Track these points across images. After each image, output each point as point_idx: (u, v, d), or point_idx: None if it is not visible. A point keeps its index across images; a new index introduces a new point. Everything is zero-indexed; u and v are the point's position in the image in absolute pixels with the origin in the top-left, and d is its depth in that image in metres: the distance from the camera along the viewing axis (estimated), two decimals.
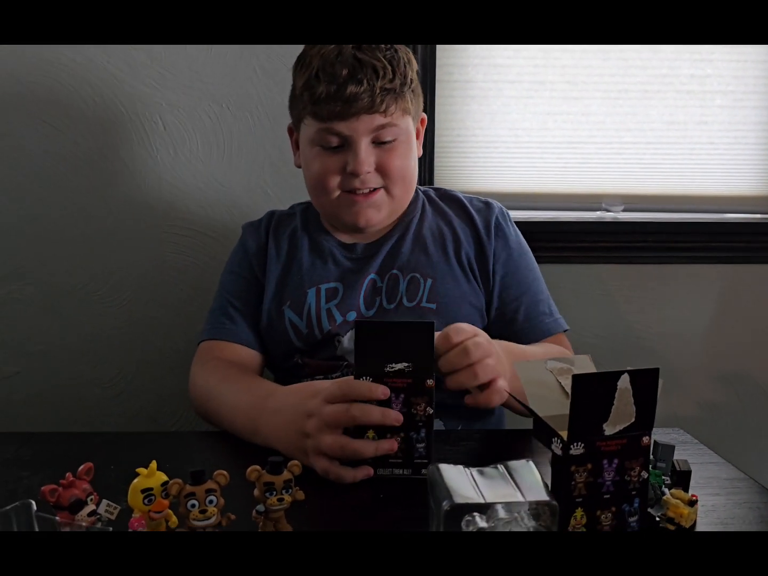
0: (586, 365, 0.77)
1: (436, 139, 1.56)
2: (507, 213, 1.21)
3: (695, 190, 1.66)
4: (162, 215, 1.51)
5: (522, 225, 1.23)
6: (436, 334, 0.81)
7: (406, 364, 0.79)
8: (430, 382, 0.79)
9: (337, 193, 1.09)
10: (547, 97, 1.60)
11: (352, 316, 1.10)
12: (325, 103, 1.03)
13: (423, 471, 0.78)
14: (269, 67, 1.47)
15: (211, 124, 1.49)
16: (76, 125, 1.47)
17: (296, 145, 1.17)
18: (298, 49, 1.12)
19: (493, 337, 0.91)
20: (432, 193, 1.23)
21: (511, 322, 1.15)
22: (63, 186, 1.48)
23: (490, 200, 1.22)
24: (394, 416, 0.80)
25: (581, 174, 1.63)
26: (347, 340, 1.09)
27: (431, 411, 0.79)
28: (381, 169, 1.08)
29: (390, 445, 0.80)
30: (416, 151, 1.15)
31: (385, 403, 0.80)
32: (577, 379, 0.62)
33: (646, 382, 0.65)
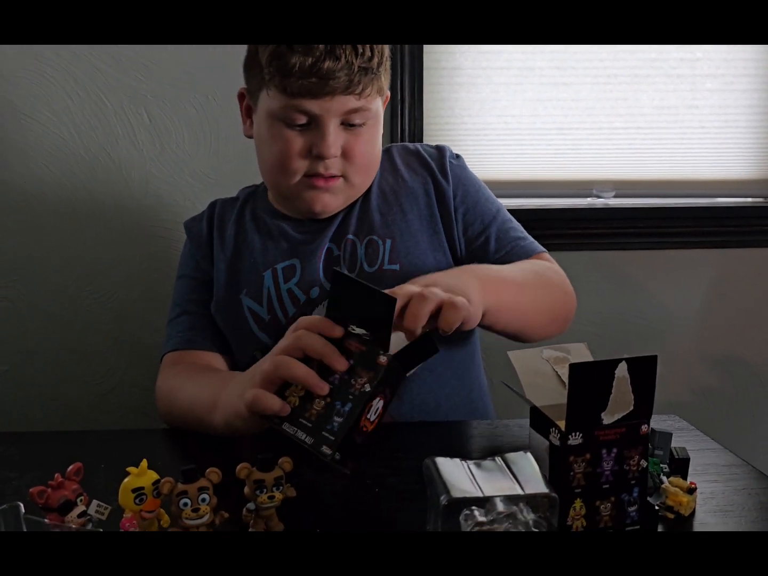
0: (582, 354, 0.76)
1: (425, 127, 1.55)
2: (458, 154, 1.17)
3: (686, 174, 1.66)
4: (150, 209, 1.49)
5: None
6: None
7: (366, 332, 0.72)
8: (382, 359, 0.70)
9: (299, 177, 1.01)
10: (537, 84, 1.59)
11: (316, 292, 1.03)
12: (297, 77, 0.94)
13: (324, 448, 0.67)
14: None
15: (198, 115, 1.47)
16: (60, 120, 1.45)
17: (247, 113, 1.08)
18: None
19: None
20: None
21: (483, 258, 1.07)
22: (48, 182, 1.47)
23: (440, 144, 1.16)
24: (339, 360, 0.71)
25: (572, 160, 1.63)
26: None
27: (368, 388, 0.69)
28: (345, 153, 1.00)
29: (322, 385, 0.71)
30: (381, 133, 1.08)
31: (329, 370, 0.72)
32: (574, 368, 0.61)
33: (644, 370, 0.64)
